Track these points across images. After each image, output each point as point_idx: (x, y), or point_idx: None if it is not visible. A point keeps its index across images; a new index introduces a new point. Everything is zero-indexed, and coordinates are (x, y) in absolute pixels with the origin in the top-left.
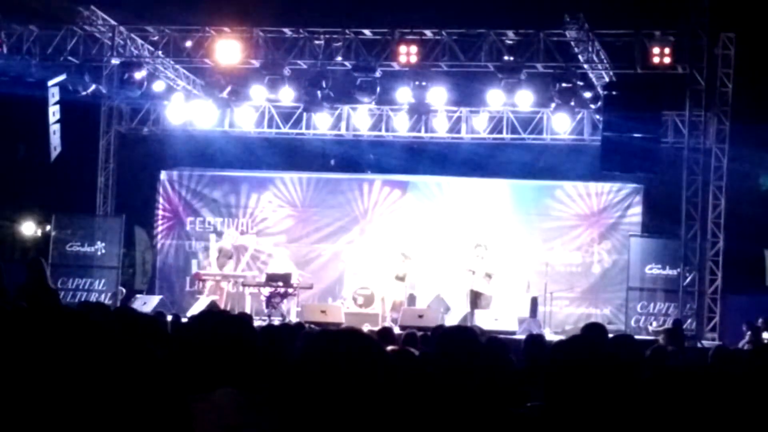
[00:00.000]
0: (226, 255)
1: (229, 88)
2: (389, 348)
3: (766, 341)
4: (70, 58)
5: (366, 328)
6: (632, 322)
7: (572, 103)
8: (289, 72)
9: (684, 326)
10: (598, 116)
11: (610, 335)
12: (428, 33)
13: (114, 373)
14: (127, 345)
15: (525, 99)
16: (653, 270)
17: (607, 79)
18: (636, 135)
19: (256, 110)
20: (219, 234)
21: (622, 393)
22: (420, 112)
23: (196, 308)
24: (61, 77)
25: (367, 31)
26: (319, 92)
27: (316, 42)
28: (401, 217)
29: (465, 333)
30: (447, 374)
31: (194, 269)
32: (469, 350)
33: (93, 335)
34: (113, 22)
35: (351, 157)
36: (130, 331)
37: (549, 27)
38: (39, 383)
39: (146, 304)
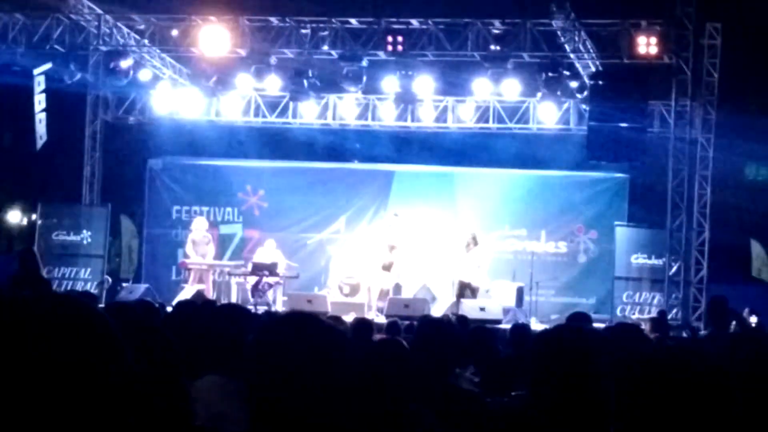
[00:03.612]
0: (203, 243)
1: (215, 77)
2: (379, 337)
3: (753, 325)
4: (56, 46)
5: (351, 317)
6: (618, 312)
7: (558, 93)
8: (276, 61)
9: (669, 316)
10: (584, 106)
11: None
12: (414, 22)
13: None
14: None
15: (511, 88)
16: (639, 259)
17: (593, 69)
18: (622, 124)
19: (242, 99)
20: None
21: (608, 382)
22: (406, 101)
23: (182, 297)
24: (47, 66)
25: (353, 20)
26: (305, 81)
27: (303, 31)
28: (387, 207)
29: (442, 324)
30: (426, 363)
31: (180, 258)
32: (446, 340)
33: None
34: (99, 11)
35: (337, 146)
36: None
37: (535, 16)
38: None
39: (132, 292)
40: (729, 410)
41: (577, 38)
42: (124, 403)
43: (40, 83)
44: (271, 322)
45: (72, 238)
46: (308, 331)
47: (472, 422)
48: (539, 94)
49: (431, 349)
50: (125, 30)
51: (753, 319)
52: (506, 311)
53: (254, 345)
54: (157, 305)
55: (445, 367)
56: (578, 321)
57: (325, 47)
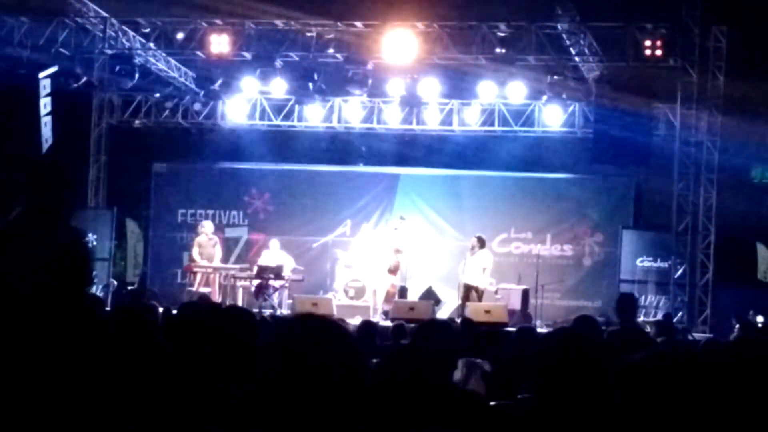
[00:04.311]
0: (210, 246)
1: (220, 81)
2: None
3: (760, 325)
4: (61, 49)
5: (357, 320)
6: None
7: (564, 96)
8: (281, 64)
9: (675, 319)
10: (589, 109)
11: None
12: (420, 25)
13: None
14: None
15: (517, 91)
16: (645, 263)
17: (598, 72)
18: (628, 127)
19: (248, 102)
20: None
21: (612, 384)
22: (411, 104)
23: (187, 300)
24: (53, 69)
25: (358, 24)
26: (310, 84)
27: (308, 34)
28: (393, 210)
29: (440, 325)
30: (426, 365)
31: (185, 261)
32: (445, 341)
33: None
34: (105, 14)
35: (342, 149)
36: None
37: (541, 19)
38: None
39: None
40: (726, 411)
41: (582, 41)
42: (121, 406)
43: (45, 86)
44: (286, 324)
45: None
46: (324, 334)
47: (477, 425)
48: (544, 97)
49: (431, 350)
50: (131, 33)
51: (759, 319)
52: (511, 314)
53: (268, 348)
54: (161, 309)
55: (445, 369)
56: (584, 324)
57: (331, 50)
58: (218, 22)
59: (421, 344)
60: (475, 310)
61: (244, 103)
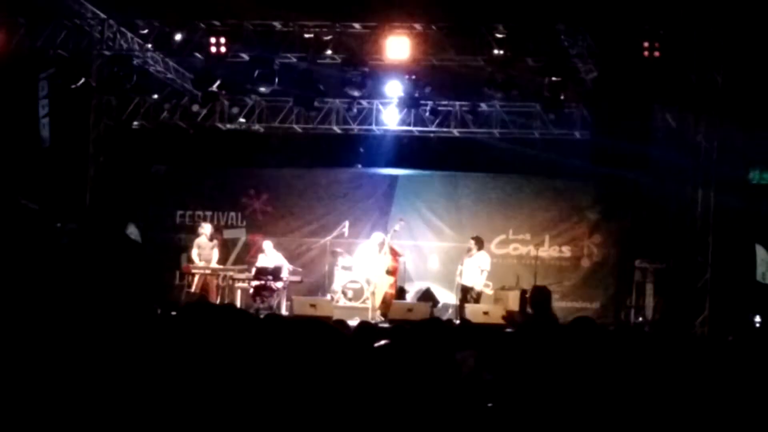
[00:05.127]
0: (208, 247)
1: (218, 82)
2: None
3: (758, 326)
4: (59, 51)
5: (356, 321)
6: (622, 316)
7: (563, 98)
8: (279, 66)
9: (673, 321)
10: (588, 110)
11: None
12: (418, 27)
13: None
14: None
15: (515, 93)
16: (643, 264)
17: (597, 74)
18: (626, 129)
19: (246, 104)
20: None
21: (608, 384)
22: (410, 105)
23: (186, 302)
24: (51, 70)
25: (357, 25)
26: (308, 86)
27: (306, 36)
28: (391, 211)
29: (436, 322)
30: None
31: (184, 263)
32: (442, 330)
33: None
34: (103, 16)
35: (340, 151)
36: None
37: (540, 21)
38: None
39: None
40: (725, 410)
41: (581, 43)
42: None
43: (43, 88)
44: (278, 327)
45: None
46: (315, 336)
47: (475, 424)
48: (543, 99)
49: (430, 337)
50: (129, 35)
51: (757, 319)
52: (510, 316)
53: (266, 349)
54: (159, 310)
55: (442, 366)
56: (582, 326)
57: (329, 52)
58: (216, 23)
59: (418, 342)
60: (473, 312)
61: (243, 105)
